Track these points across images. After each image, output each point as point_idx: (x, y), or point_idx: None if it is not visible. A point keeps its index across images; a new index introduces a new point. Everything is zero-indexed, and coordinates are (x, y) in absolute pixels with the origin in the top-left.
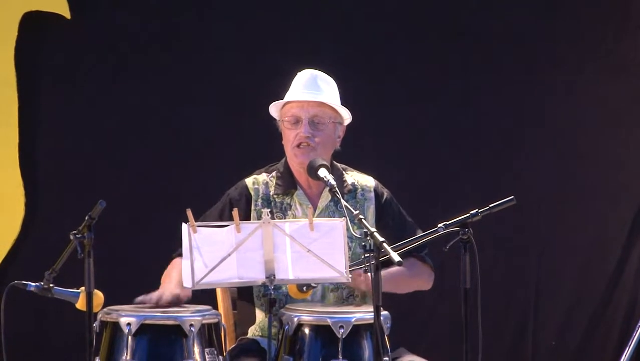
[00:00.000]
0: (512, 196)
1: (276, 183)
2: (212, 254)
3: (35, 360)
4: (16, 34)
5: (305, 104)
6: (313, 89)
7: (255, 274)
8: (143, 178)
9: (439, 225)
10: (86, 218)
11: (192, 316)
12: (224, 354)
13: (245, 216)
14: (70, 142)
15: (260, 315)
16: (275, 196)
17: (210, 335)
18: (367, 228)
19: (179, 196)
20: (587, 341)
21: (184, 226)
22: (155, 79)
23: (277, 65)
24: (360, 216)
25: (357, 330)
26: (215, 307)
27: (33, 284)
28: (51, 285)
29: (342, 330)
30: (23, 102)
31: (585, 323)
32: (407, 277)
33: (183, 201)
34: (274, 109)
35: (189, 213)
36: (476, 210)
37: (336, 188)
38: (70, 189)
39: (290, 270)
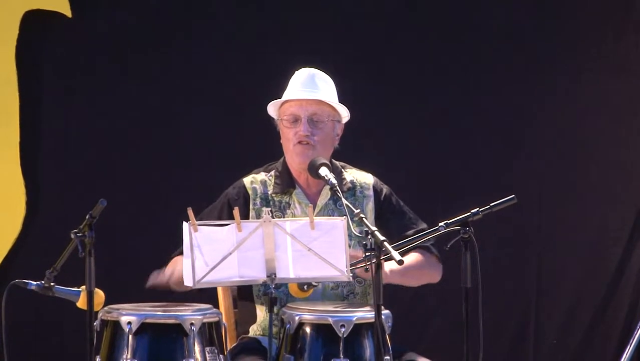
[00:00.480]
0: (513, 195)
1: (274, 182)
2: (213, 253)
3: (36, 358)
4: (17, 32)
5: (304, 102)
6: (311, 87)
7: (256, 273)
8: (143, 178)
9: (440, 224)
10: (87, 217)
11: (192, 315)
12: (225, 353)
13: (244, 216)
14: (71, 141)
15: (261, 314)
16: (273, 195)
17: (210, 333)
18: (368, 226)
19: (179, 196)
20: (588, 341)
21: (185, 224)
22: (156, 78)
23: (277, 65)
24: (362, 215)
25: (359, 329)
26: (216, 306)
27: (34, 283)
28: (52, 284)
29: (343, 329)
30: (24, 101)
31: (586, 323)
32: (416, 269)
33: (183, 201)
34: (272, 108)
35: (190, 211)
36: (477, 209)
37: (337, 187)
38: (71, 189)
39: (291, 269)
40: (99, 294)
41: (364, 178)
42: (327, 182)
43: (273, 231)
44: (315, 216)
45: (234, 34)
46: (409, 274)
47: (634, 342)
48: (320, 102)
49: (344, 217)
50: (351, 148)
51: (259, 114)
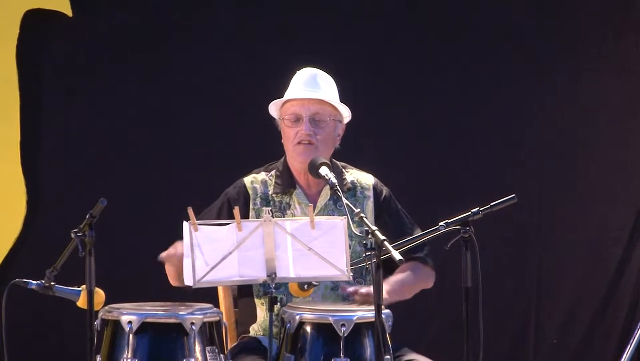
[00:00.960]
0: (514, 195)
1: (275, 182)
2: (213, 253)
3: (36, 357)
4: (18, 32)
5: (305, 101)
6: (313, 86)
7: (256, 273)
8: (143, 178)
9: (440, 223)
10: (87, 217)
11: (193, 315)
12: (225, 352)
13: (244, 216)
14: (71, 140)
15: (261, 314)
16: (274, 195)
17: (211, 333)
18: (368, 226)
19: (179, 196)
20: (588, 341)
21: (185, 224)
22: (156, 78)
23: (277, 65)
24: (362, 215)
25: (359, 328)
26: (217, 305)
27: (34, 282)
28: (52, 283)
29: (343, 328)
30: (24, 101)
31: (586, 323)
32: (410, 285)
33: (183, 201)
34: (274, 108)
35: (190, 211)
36: (477, 208)
37: (337, 187)
38: (72, 188)
39: (291, 268)
40: (99, 294)
41: (364, 179)
42: (327, 181)
43: (273, 230)
44: (315, 216)
45: (234, 34)
46: (402, 292)
47: (634, 342)
48: (322, 102)
49: (344, 216)
50: (352, 148)
51: (259, 114)
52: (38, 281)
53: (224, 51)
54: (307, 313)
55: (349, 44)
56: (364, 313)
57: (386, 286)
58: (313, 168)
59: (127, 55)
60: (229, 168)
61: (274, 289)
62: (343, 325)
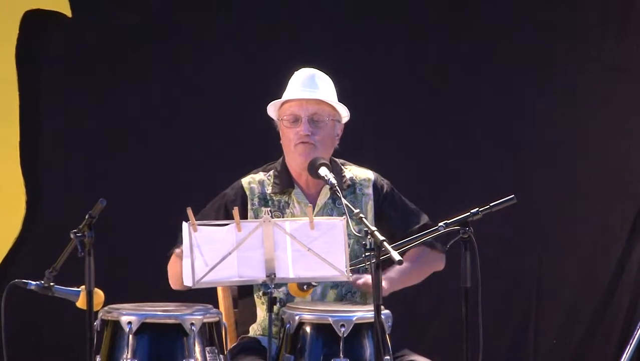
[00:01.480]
0: (513, 195)
1: (273, 182)
2: (212, 253)
3: (35, 358)
4: (17, 32)
5: (304, 102)
6: (311, 87)
7: (255, 273)
8: (143, 178)
9: (440, 224)
10: (86, 217)
11: (192, 315)
12: (225, 353)
13: (242, 217)
14: (71, 141)
15: (261, 314)
16: (272, 195)
17: (211, 333)
18: (367, 226)
19: (179, 196)
20: (588, 341)
21: (185, 224)
22: (156, 78)
23: (277, 65)
24: (361, 215)
25: (359, 329)
26: (216, 306)
27: (33, 282)
28: (52, 284)
29: (343, 329)
30: (24, 101)
31: (586, 323)
32: (417, 269)
33: (183, 201)
34: (272, 108)
35: (190, 211)
36: (477, 209)
37: (337, 188)
38: (71, 188)
39: (290, 269)
40: (99, 294)
41: (364, 175)
42: (326, 182)
43: (272, 231)
44: (314, 216)
45: (234, 34)
46: (409, 276)
47: (634, 342)
48: (321, 102)
49: (344, 217)
50: (351, 148)
51: (259, 114)
52: (37, 282)
53: (224, 51)
54: (307, 313)
55: (349, 44)
56: (364, 313)
57: (386, 275)
58: (312, 169)
59: (127, 56)
60: (228, 168)
61: (274, 290)
62: (343, 325)
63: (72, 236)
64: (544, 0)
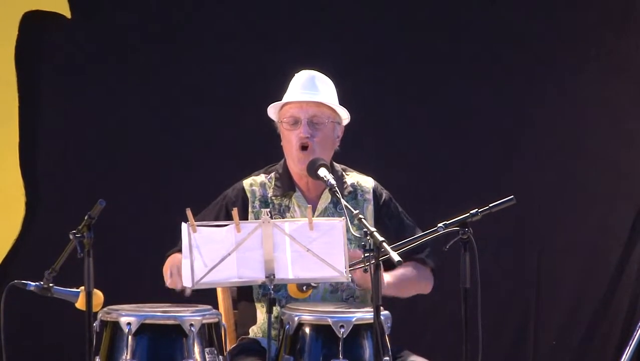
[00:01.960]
0: (512, 196)
1: (275, 185)
2: (212, 254)
3: (35, 359)
4: (16, 33)
5: (304, 104)
6: (311, 89)
7: (255, 274)
8: (143, 178)
9: (439, 225)
10: (86, 218)
11: (192, 316)
12: (224, 354)
13: (242, 219)
14: (70, 142)
15: (261, 315)
16: (273, 198)
17: (210, 334)
18: (367, 227)
19: (179, 196)
20: (588, 341)
21: (184, 225)
22: (156, 78)
23: (277, 65)
24: (360, 216)
25: (358, 330)
26: (216, 307)
27: (33, 283)
28: (51, 285)
29: (342, 330)
30: (23, 102)
31: (585, 323)
32: (409, 281)
33: (183, 201)
34: (272, 110)
35: (189, 212)
36: (476, 210)
37: (336, 188)
38: (71, 189)
39: (290, 270)
40: (98, 295)
41: (364, 182)
42: (326, 183)
43: (272, 231)
44: (314, 217)
45: (234, 34)
46: (402, 286)
47: (634, 342)
48: (320, 105)
49: (343, 218)
50: (351, 149)
51: (259, 114)
52: (37, 283)
53: (224, 51)
54: (306, 314)
55: (349, 44)
56: (363, 314)
57: (386, 277)
58: (311, 169)
59: (127, 56)
60: (229, 168)
61: (273, 291)
62: (342, 326)
63: (71, 237)
64: (544, 0)
